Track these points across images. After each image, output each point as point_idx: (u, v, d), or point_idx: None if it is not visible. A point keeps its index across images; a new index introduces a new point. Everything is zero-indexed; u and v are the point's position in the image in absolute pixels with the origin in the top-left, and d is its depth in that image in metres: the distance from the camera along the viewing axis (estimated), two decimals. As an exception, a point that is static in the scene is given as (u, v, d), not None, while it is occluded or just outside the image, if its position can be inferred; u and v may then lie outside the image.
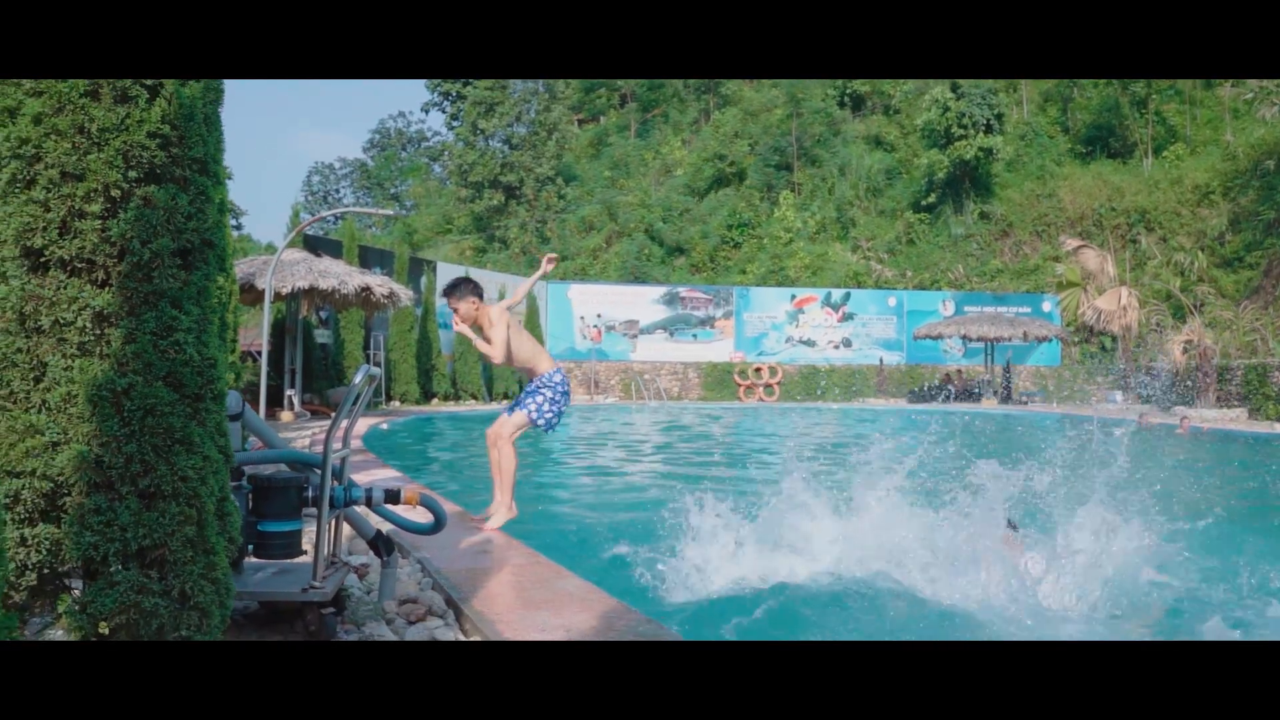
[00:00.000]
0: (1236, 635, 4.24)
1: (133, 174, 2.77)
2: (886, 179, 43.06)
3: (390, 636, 3.73)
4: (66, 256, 2.73)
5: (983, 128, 37.80)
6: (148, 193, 2.79)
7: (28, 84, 2.76)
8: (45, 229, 2.71)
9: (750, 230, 42.00)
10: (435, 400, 25.29)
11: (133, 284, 2.76)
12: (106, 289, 2.76)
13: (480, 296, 6.47)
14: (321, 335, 22.22)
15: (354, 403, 3.77)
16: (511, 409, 6.36)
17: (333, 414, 14.37)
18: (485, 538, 5.78)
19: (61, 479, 2.69)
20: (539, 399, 6.32)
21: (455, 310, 6.37)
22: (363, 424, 15.91)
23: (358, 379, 3.70)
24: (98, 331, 2.75)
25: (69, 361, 2.73)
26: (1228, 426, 20.50)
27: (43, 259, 2.74)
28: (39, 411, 2.71)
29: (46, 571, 2.73)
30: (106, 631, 2.75)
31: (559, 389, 6.41)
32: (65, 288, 2.73)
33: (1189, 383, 25.01)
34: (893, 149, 44.40)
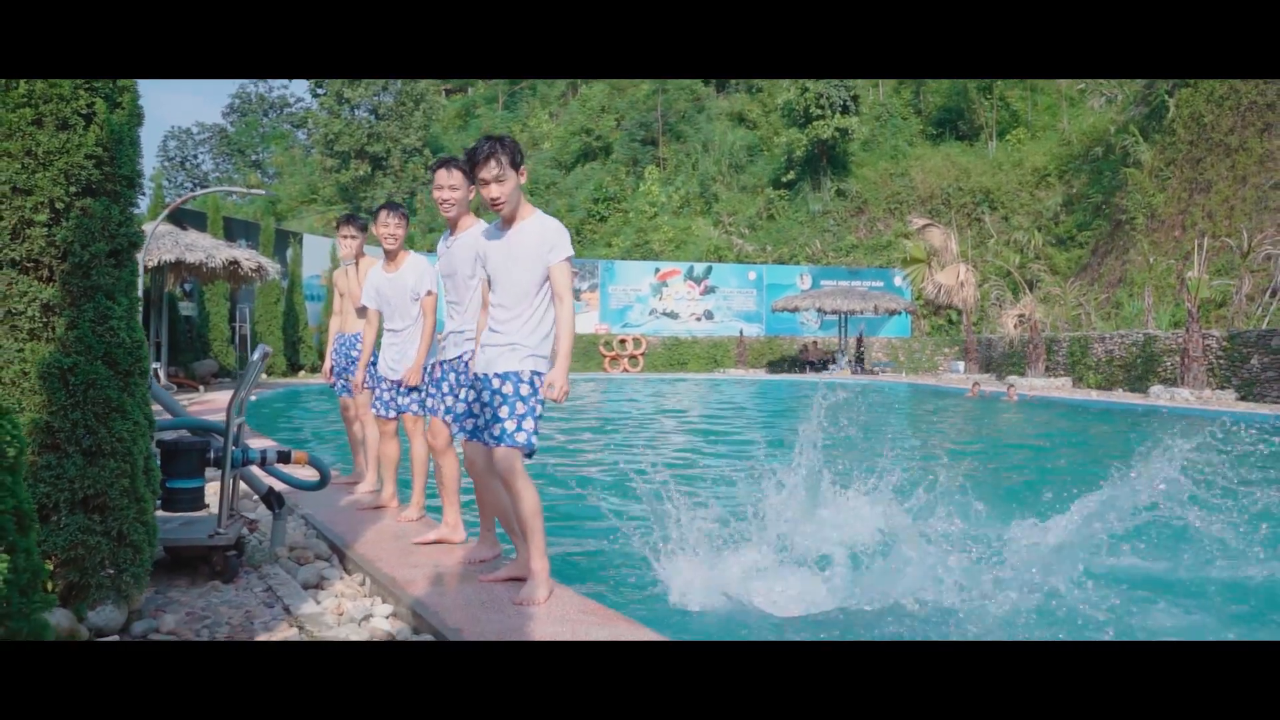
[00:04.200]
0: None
1: (73, 189, 3.36)
2: (748, 156, 44.37)
3: (284, 576, 4.38)
4: (18, 258, 3.31)
5: (839, 109, 39.30)
6: (86, 204, 3.38)
7: (-21, 112, 3.31)
8: None
9: (616, 204, 42.83)
10: (302, 372, 25.39)
11: (74, 280, 3.36)
12: (52, 284, 3.36)
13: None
14: (186, 308, 22.15)
15: (253, 377, 4.39)
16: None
17: (197, 386, 14.55)
18: (359, 498, 6.41)
19: (18, 441, 3.28)
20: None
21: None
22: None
23: (255, 356, 4.32)
24: (45, 320, 3.34)
25: (21, 345, 3.31)
26: (1053, 394, 22.22)
27: (-3, 260, 3.31)
28: (-2, 386, 3.29)
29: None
30: (52, 567, 3.35)
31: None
32: (16, 284, 3.31)
33: (1021, 353, 26.90)
34: (754, 127, 45.72)
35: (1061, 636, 4.13)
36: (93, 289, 3.38)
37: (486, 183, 4.01)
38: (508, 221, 4.13)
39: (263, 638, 3.51)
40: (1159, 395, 19.70)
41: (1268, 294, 22.96)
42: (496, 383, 3.97)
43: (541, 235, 4.04)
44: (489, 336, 4.09)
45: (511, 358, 3.98)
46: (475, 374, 4.14)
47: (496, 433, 3.94)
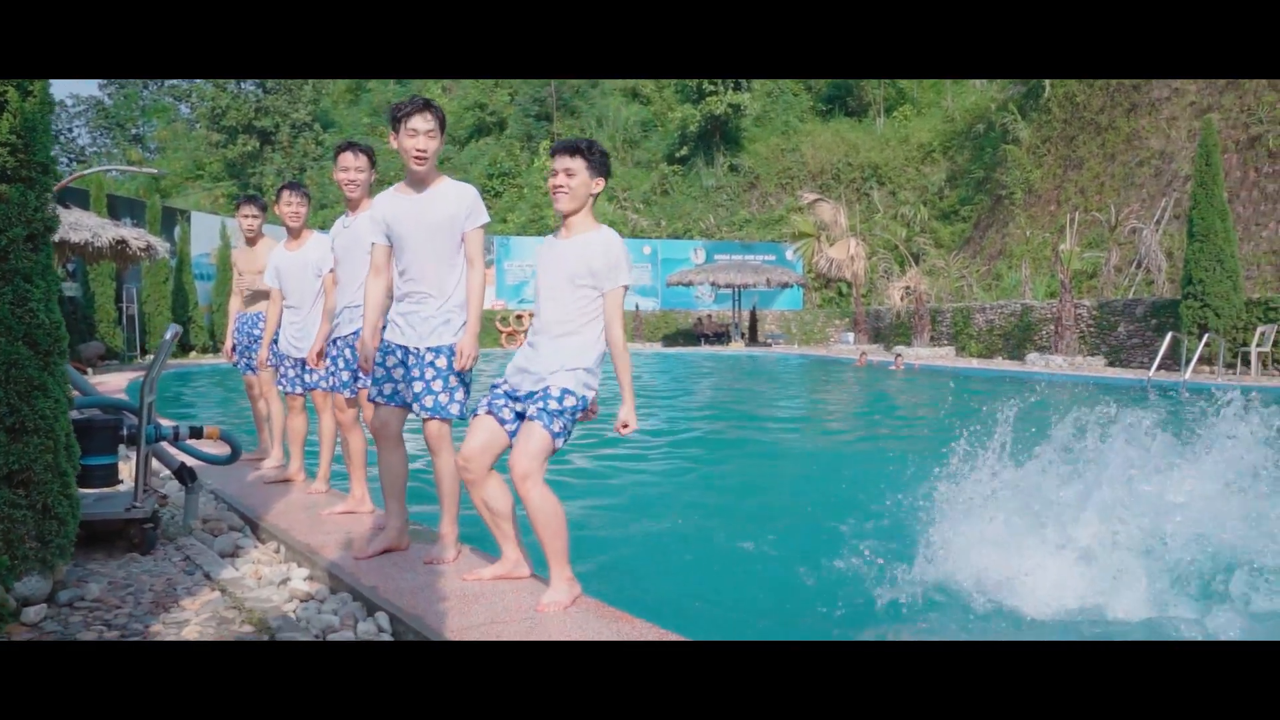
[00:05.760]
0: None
1: (-11, 176, 3.48)
2: (642, 131, 44.69)
3: (200, 546, 4.55)
4: (-64, 243, 3.42)
5: (732, 85, 39.88)
6: (2, 190, 3.50)
7: (-107, 102, 3.41)
8: (-81, 222, 3.39)
9: (511, 179, 42.77)
10: (194, 353, 24.96)
11: (-8, 264, 3.48)
12: (-30, 269, 3.47)
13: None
14: (69, 289, 21.56)
15: (164, 356, 4.54)
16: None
17: (84, 369, 14.29)
18: (265, 473, 6.55)
19: (-58, 420, 3.40)
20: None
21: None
22: (124, 378, 15.92)
23: (167, 336, 4.47)
24: (-35, 303, 3.46)
25: (-58, 327, 3.43)
26: (937, 363, 23.12)
27: (-84, 245, 3.42)
28: (-80, 367, 3.41)
29: (-69, 492, 3.44)
30: (-22, 539, 3.49)
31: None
32: (-65, 268, 3.42)
33: (908, 324, 27.83)
34: (648, 102, 46.01)
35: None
36: (11, 272, 3.51)
37: (416, 133, 4.04)
38: (418, 186, 4.15)
39: (186, 603, 3.70)
40: (1035, 362, 20.69)
41: (1133, 265, 24.19)
42: (430, 356, 4.09)
43: (459, 200, 4.13)
44: (414, 307, 4.13)
45: (445, 331, 4.11)
46: (403, 346, 4.17)
47: (430, 404, 4.07)
